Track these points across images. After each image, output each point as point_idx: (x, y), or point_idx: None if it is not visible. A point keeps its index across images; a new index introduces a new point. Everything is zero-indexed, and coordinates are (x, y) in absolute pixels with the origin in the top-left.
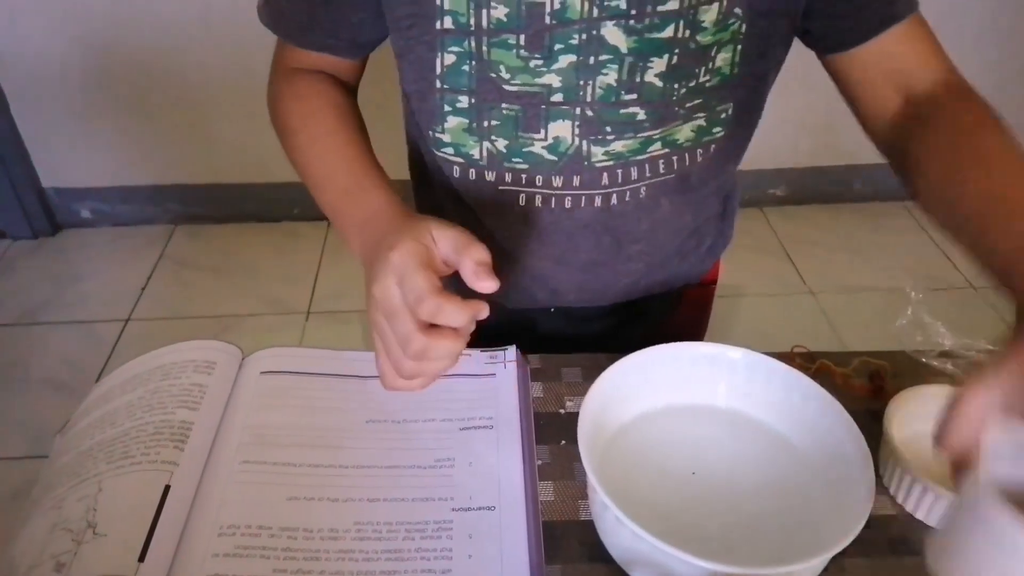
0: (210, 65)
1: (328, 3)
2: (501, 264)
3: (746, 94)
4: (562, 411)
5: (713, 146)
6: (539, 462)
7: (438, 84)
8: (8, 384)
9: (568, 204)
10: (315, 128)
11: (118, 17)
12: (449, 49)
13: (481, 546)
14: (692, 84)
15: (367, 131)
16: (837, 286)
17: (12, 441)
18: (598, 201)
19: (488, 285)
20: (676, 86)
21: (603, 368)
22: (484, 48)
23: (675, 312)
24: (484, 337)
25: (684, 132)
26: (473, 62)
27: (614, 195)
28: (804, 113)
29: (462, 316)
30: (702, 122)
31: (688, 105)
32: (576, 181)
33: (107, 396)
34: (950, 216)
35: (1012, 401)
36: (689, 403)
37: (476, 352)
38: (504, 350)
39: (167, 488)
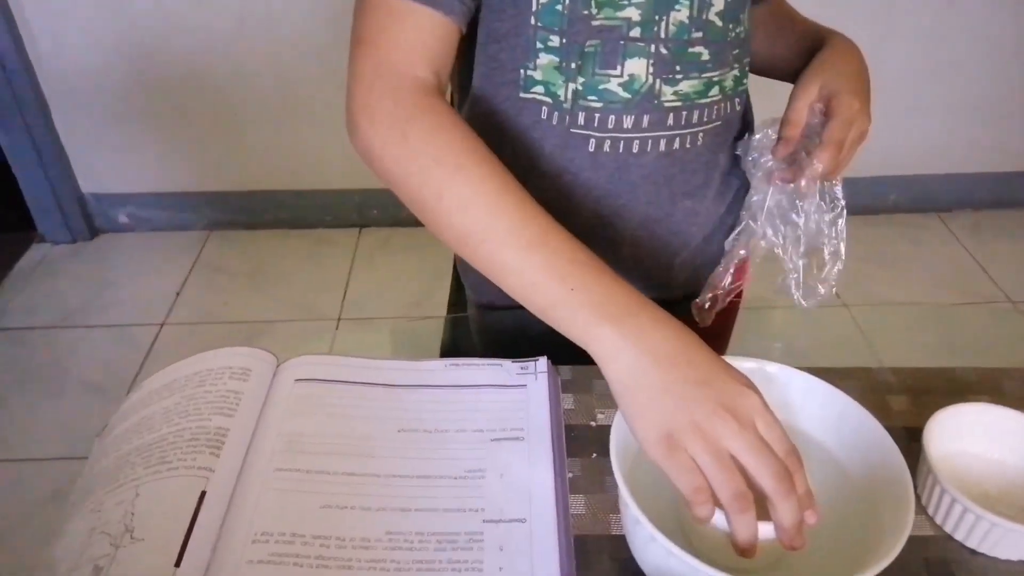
0: (246, 74)
1: None
2: (559, 214)
3: (750, 49)
4: (593, 423)
5: (738, 100)
6: (570, 475)
7: (532, 21)
8: (46, 386)
9: (635, 148)
10: (497, 179)
11: (157, 27)
12: None
13: (512, 559)
14: (738, 30)
15: None
16: (871, 299)
17: (50, 442)
18: (663, 145)
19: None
20: (730, 27)
21: None
22: None
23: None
24: (510, 344)
25: (729, 79)
26: (567, 0)
27: (677, 139)
28: None
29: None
30: (737, 71)
31: (734, 52)
32: (645, 121)
33: (145, 401)
34: (764, 38)
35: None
36: None
37: (507, 363)
38: (535, 361)
39: (203, 494)
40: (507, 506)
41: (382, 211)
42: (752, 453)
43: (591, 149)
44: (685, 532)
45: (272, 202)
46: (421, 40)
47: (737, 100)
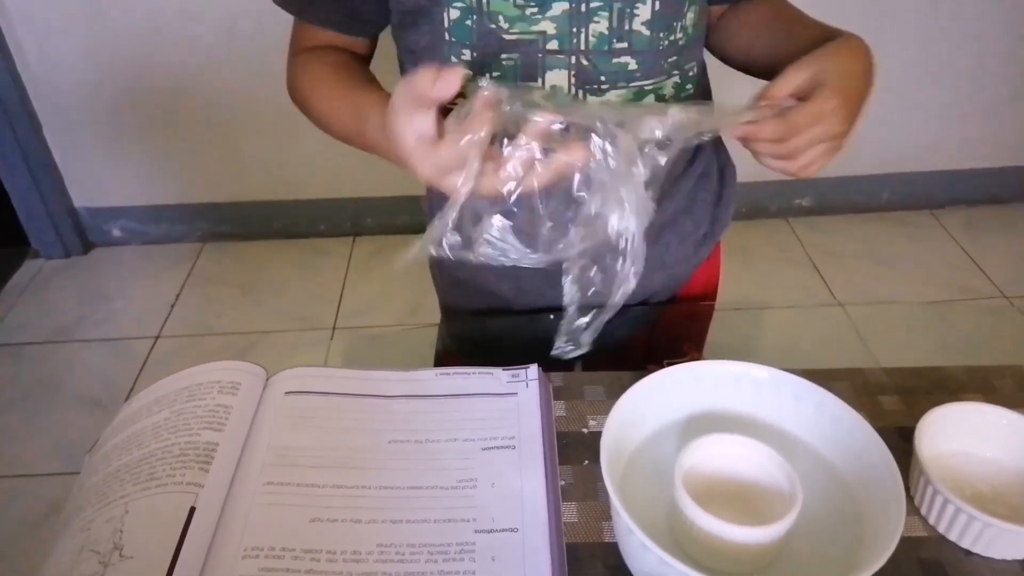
0: (237, 86)
1: None
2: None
3: (700, 54)
4: (585, 430)
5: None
6: (562, 482)
7: (447, 36)
8: (41, 401)
9: None
10: (330, 79)
11: (147, 40)
12: (454, 4)
13: (504, 569)
14: (672, 38)
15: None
16: (865, 298)
17: (45, 458)
18: None
19: (452, 79)
20: (661, 35)
21: (626, 386)
22: (484, 0)
23: (670, 312)
24: (497, 351)
25: (668, 87)
26: (475, 16)
27: None
28: None
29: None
30: (677, 79)
31: (669, 60)
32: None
33: (134, 417)
34: (768, 40)
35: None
36: (713, 422)
37: (498, 371)
38: (526, 369)
39: (192, 510)
40: (499, 515)
41: (376, 220)
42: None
43: None
44: (678, 540)
45: (265, 212)
46: (318, 42)
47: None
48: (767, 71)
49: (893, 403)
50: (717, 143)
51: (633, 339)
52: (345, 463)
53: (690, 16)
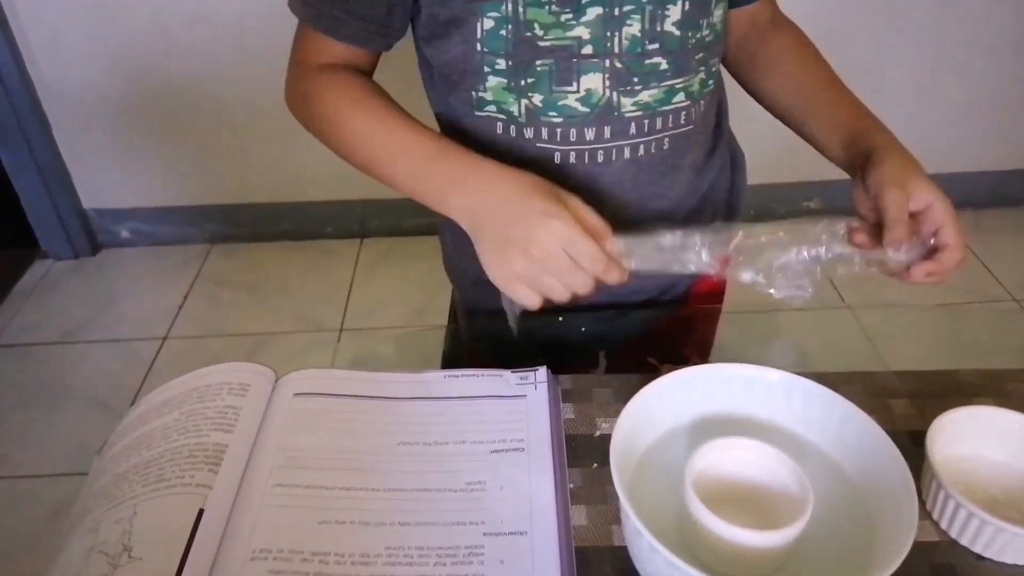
0: (244, 88)
1: None
2: None
3: (723, 48)
4: (594, 434)
5: (704, 102)
6: (571, 485)
7: (479, 47)
8: (49, 402)
9: (600, 158)
10: (373, 110)
11: (156, 43)
12: (488, 15)
13: (513, 572)
14: (699, 35)
15: None
16: (874, 300)
17: (53, 458)
18: (627, 152)
19: (616, 276)
20: (689, 34)
21: (635, 389)
22: (520, 9)
23: (677, 313)
24: (505, 353)
25: (695, 83)
26: (510, 26)
27: (641, 146)
28: None
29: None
30: (703, 74)
31: (697, 57)
32: (607, 132)
33: (143, 418)
34: (795, 99)
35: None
36: (723, 425)
37: (506, 373)
38: (535, 371)
39: (201, 511)
40: (508, 518)
41: (383, 221)
42: (559, 276)
43: (557, 161)
44: (687, 543)
45: (273, 214)
46: (330, 57)
47: (703, 101)
48: (794, 126)
49: (904, 407)
50: (730, 134)
51: (641, 342)
52: (354, 465)
53: (717, 13)
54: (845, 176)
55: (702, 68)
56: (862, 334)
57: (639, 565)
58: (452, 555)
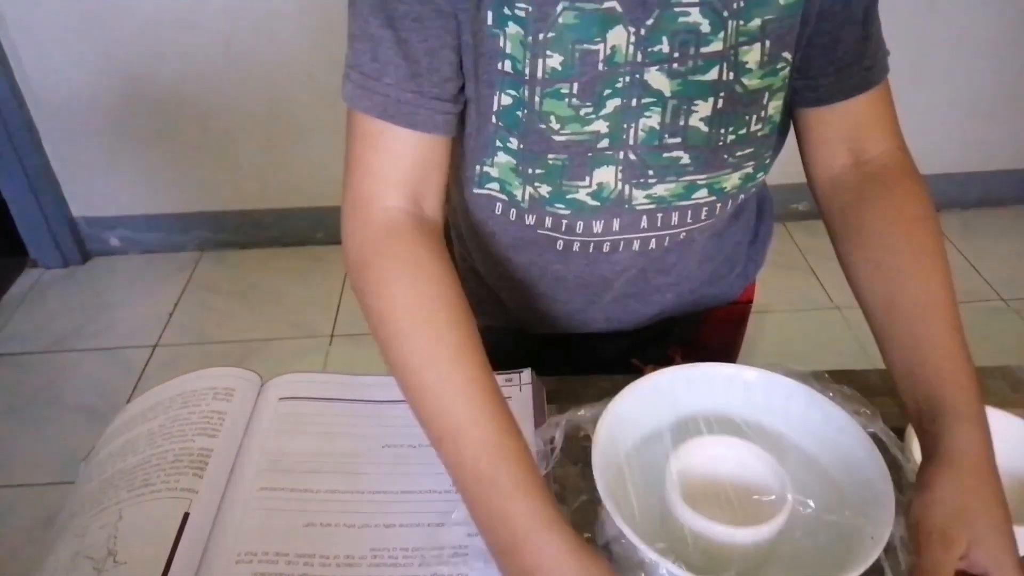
0: (233, 95)
1: (430, 54)
2: (529, 299)
3: (782, 139)
4: (578, 435)
5: (753, 189)
6: (555, 486)
7: (494, 120)
8: (39, 410)
9: (606, 248)
10: (447, 361)
11: (144, 50)
12: (506, 91)
13: (497, 572)
14: (743, 131)
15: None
16: None
17: (44, 467)
18: (636, 245)
19: None
20: (723, 131)
21: (619, 389)
22: (537, 99)
23: (700, 331)
24: (506, 357)
25: (732, 180)
26: (525, 110)
27: (653, 239)
28: None
29: None
30: (750, 169)
31: (739, 153)
32: (616, 225)
33: (129, 424)
34: (881, 310)
35: None
36: (704, 424)
37: None
38: (519, 373)
39: (186, 516)
40: None
41: None
42: None
43: (559, 248)
44: (670, 541)
45: (263, 221)
46: (394, 165)
47: (742, 195)
48: (876, 336)
49: (887, 405)
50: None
51: (657, 354)
52: (339, 468)
53: (773, 104)
54: None
55: (750, 163)
56: (849, 333)
57: (621, 564)
58: (437, 555)
